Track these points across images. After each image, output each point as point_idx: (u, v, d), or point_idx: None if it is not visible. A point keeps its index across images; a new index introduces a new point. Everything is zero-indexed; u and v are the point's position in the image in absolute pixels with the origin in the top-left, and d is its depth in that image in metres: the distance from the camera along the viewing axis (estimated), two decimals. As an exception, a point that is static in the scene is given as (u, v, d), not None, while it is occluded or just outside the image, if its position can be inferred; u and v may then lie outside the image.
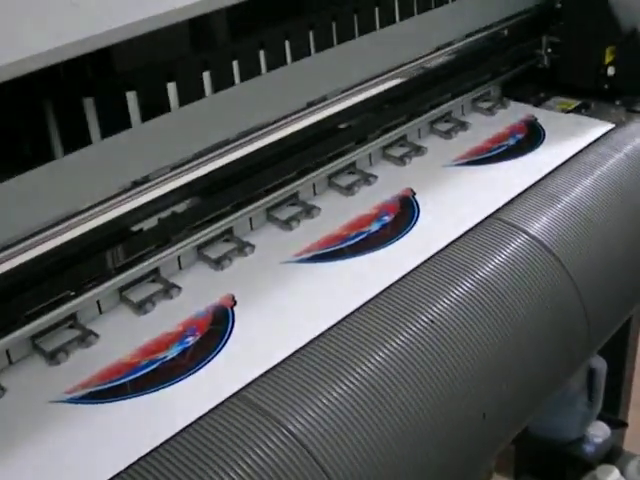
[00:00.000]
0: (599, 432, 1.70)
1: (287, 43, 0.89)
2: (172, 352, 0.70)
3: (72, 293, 0.73)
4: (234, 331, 0.72)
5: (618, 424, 1.76)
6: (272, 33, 0.88)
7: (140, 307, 0.76)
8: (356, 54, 0.98)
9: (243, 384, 0.65)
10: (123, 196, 0.77)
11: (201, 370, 0.68)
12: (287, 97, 0.91)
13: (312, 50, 0.93)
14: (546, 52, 1.22)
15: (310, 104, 0.94)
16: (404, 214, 0.89)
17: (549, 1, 1.23)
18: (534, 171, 0.97)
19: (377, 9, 1.00)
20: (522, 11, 1.22)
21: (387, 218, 0.89)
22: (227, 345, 0.71)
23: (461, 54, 1.14)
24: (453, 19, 1.11)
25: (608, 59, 1.15)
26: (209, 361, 0.69)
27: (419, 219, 0.88)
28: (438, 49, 1.10)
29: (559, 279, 0.84)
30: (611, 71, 1.15)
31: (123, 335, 0.73)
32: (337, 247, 0.84)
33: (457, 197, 0.93)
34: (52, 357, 0.70)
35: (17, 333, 0.69)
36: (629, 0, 1.14)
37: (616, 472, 1.64)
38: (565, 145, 1.03)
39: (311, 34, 0.92)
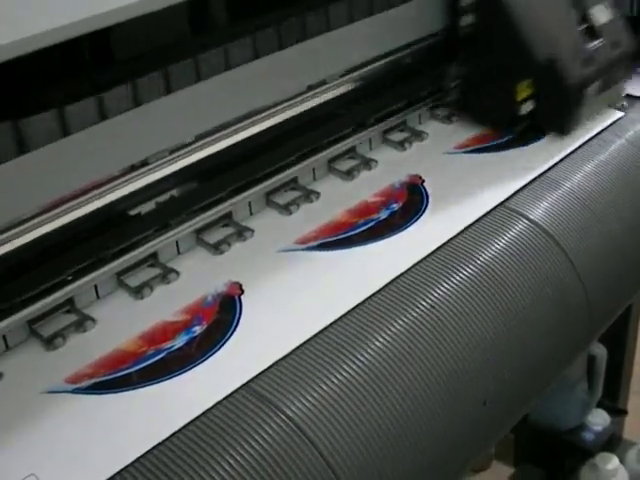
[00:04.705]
0: (599, 420, 1.70)
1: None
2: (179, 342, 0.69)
3: (69, 277, 0.73)
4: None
5: (618, 412, 1.77)
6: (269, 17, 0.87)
7: (138, 292, 0.75)
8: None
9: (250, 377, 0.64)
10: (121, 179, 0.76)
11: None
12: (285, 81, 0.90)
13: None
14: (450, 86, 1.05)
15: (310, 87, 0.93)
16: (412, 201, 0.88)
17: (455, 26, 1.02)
18: (543, 159, 0.95)
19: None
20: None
21: (395, 206, 0.87)
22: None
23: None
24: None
25: (523, 95, 0.99)
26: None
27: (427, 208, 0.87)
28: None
29: (561, 265, 0.84)
30: (527, 108, 0.99)
31: (121, 321, 0.72)
32: (344, 235, 0.83)
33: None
34: (49, 342, 0.69)
35: (14, 317, 0.69)
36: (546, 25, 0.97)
37: (615, 460, 1.64)
38: (574, 133, 1.01)
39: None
